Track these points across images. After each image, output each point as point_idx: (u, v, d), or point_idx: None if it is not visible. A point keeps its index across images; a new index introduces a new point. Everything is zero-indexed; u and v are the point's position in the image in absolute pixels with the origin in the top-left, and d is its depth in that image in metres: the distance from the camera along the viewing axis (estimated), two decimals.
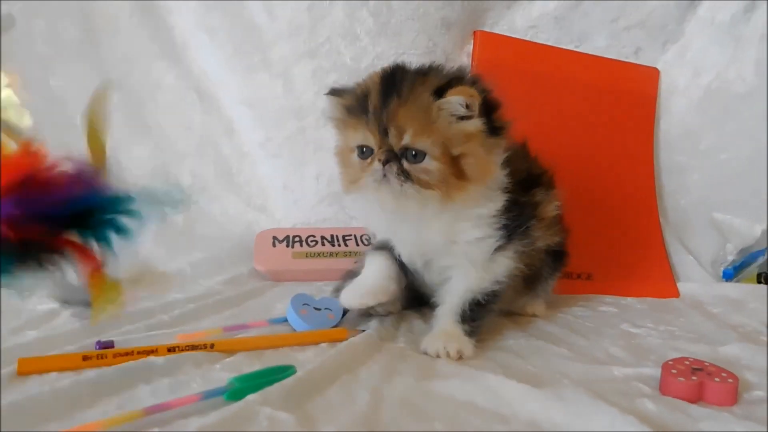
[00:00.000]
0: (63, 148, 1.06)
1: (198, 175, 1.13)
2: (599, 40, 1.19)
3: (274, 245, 1.05)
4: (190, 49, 1.10)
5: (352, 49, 1.07)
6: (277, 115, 1.12)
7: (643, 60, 1.21)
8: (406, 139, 0.65)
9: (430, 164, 0.65)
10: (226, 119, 1.13)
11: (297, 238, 1.07)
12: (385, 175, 0.65)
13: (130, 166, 1.06)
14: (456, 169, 0.66)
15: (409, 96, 0.65)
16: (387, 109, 0.65)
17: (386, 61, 1.09)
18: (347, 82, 1.05)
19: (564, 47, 1.17)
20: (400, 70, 0.69)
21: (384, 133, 0.65)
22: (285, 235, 1.07)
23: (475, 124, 0.66)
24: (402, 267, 0.77)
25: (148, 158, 1.10)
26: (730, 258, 1.09)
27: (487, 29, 1.15)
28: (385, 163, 0.65)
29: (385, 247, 0.77)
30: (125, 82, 1.09)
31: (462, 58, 1.14)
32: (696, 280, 1.08)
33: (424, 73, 0.69)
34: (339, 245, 1.07)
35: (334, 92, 0.73)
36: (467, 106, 0.65)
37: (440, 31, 1.10)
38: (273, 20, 1.07)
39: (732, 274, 1.04)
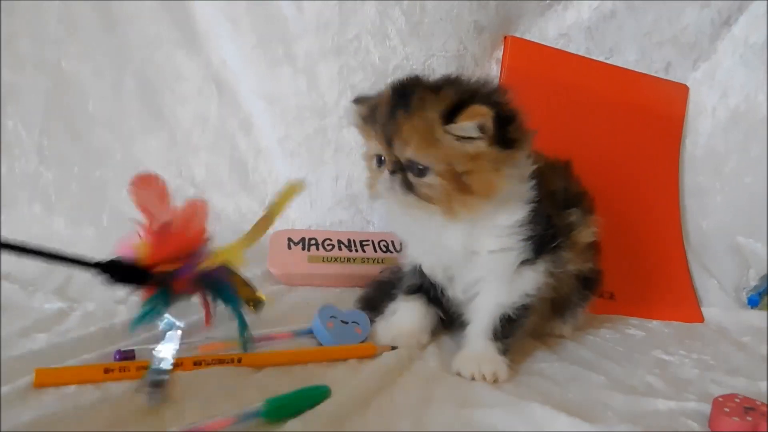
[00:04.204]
0: (72, 132, 1.01)
1: (212, 169, 1.08)
2: (630, 54, 1.16)
3: (289, 247, 1.01)
4: (211, 38, 1.05)
5: (381, 48, 1.03)
6: (298, 112, 1.07)
7: (673, 76, 1.18)
8: (410, 153, 0.64)
9: (433, 180, 0.64)
10: (244, 113, 1.08)
11: (313, 241, 1.03)
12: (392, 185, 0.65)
13: (143, 157, 1.05)
14: (460, 185, 0.64)
15: (416, 111, 0.63)
16: (393, 121, 0.64)
17: (415, 62, 1.06)
18: (374, 82, 1.03)
19: (594, 58, 1.15)
20: (412, 83, 0.67)
21: (389, 144, 0.65)
22: (300, 237, 1.03)
23: (481, 146, 0.62)
24: (433, 301, 0.75)
25: (162, 149, 1.05)
26: (753, 284, 1.07)
27: (518, 35, 1.12)
28: (392, 173, 0.65)
29: (419, 291, 0.75)
30: (142, 69, 1.04)
31: (491, 63, 1.11)
32: (719, 305, 1.05)
33: (438, 88, 0.65)
34: (356, 250, 1.03)
35: (357, 101, 0.72)
36: (481, 129, 0.62)
37: (471, 35, 1.07)
38: (301, 13, 1.03)
39: (758, 300, 1.02)
